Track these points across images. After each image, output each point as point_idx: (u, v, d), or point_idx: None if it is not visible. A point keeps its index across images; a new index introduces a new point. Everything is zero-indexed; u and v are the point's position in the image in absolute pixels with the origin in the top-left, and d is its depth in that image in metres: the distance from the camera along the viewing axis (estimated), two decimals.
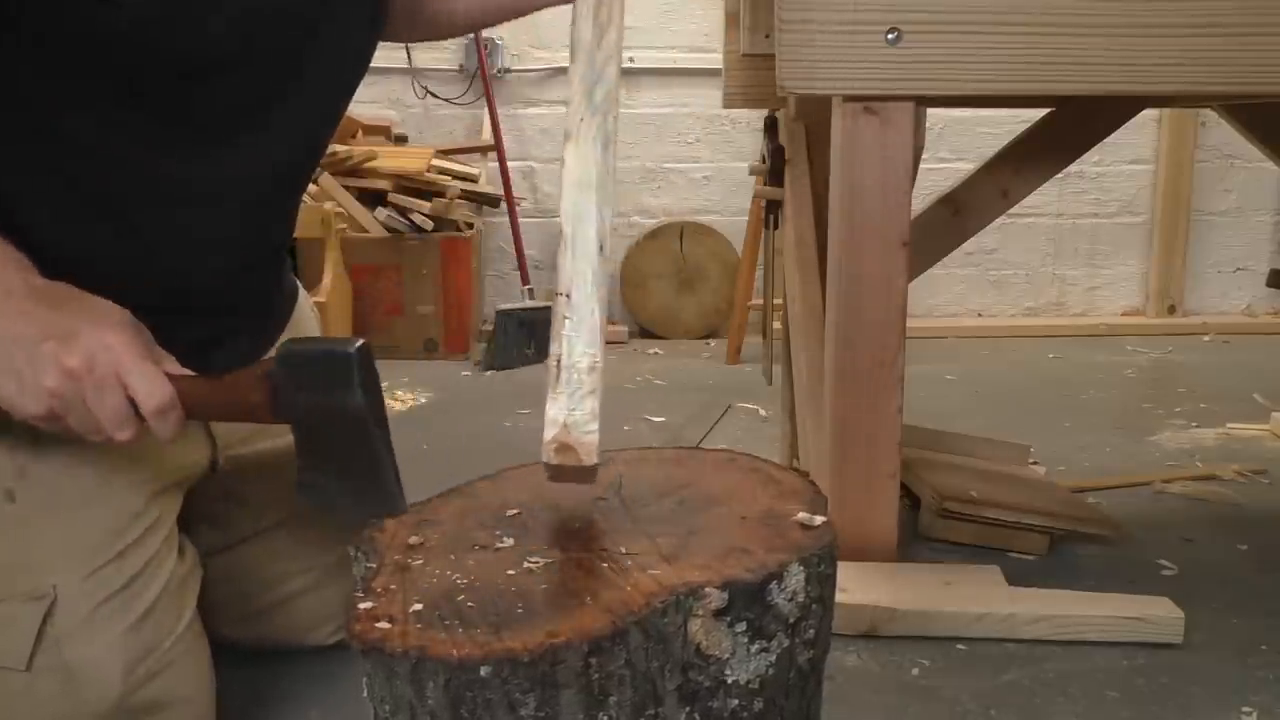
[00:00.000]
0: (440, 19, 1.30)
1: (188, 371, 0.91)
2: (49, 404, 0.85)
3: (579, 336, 0.81)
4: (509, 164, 3.63)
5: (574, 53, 0.87)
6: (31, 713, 1.00)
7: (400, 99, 3.85)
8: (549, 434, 0.79)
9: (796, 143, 1.94)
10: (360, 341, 0.81)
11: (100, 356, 0.85)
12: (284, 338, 1.28)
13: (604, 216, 0.85)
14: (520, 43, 3.81)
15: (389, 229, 3.31)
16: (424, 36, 1.38)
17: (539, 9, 1.22)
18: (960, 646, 1.39)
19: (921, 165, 1.76)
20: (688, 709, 0.69)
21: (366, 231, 3.30)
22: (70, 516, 1.03)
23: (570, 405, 0.79)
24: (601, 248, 0.84)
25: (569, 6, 0.96)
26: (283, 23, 1.02)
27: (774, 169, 1.98)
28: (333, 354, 0.80)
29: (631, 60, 3.77)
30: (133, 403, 0.86)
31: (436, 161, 3.44)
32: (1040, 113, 1.92)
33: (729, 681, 0.69)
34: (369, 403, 0.80)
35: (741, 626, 0.69)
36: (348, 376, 0.79)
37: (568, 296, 0.82)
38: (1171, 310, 3.94)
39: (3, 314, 0.86)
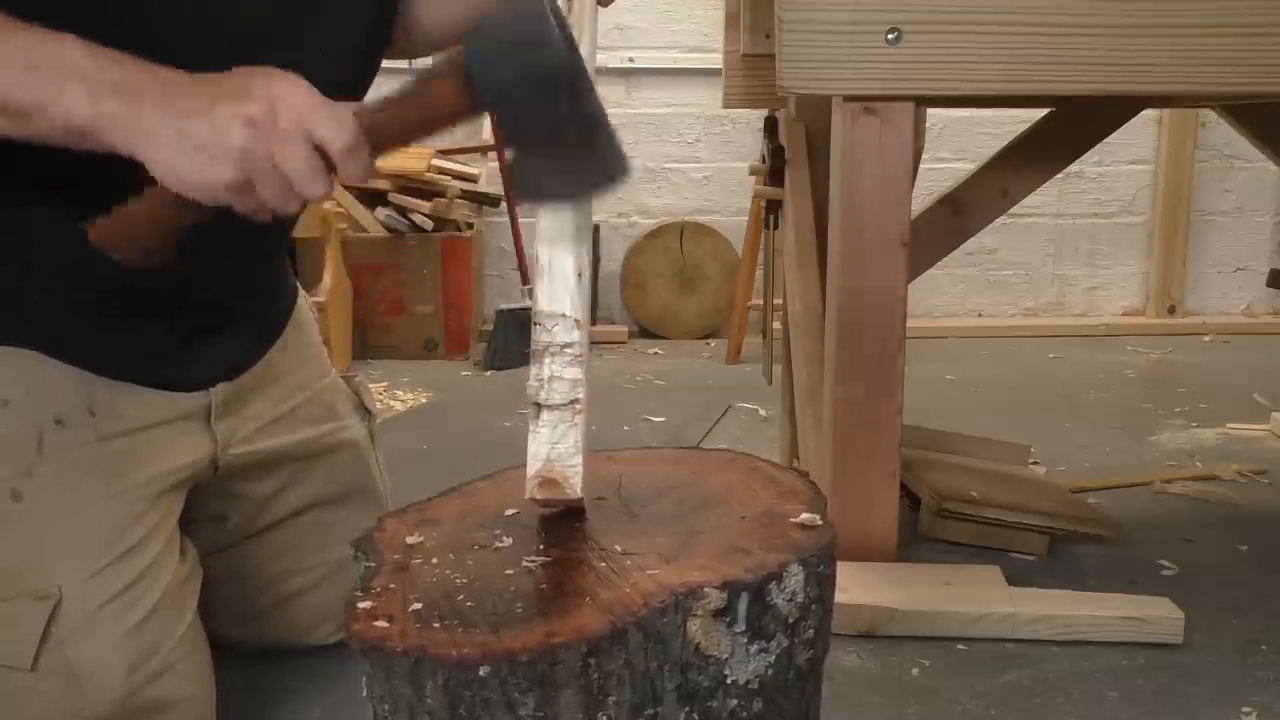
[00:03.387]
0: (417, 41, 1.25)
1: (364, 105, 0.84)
2: (240, 166, 0.79)
3: (558, 368, 0.78)
4: None
5: None
6: (34, 713, 1.00)
7: None
8: (532, 469, 0.77)
9: (796, 143, 1.94)
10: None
11: (279, 102, 0.79)
12: (283, 336, 1.28)
13: (581, 239, 0.79)
14: None
15: (389, 229, 3.31)
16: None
17: None
18: (960, 646, 1.39)
19: (921, 165, 1.76)
20: (687, 709, 0.69)
21: (366, 231, 3.30)
22: (75, 516, 1.03)
23: (552, 439, 0.77)
24: (580, 274, 0.79)
25: None
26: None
27: (774, 169, 1.98)
28: (522, 10, 0.74)
29: (631, 60, 3.77)
30: (319, 152, 0.80)
31: (436, 161, 3.43)
32: (1040, 113, 1.92)
33: (728, 681, 0.70)
34: (573, 55, 0.76)
35: (741, 627, 0.69)
36: (543, 28, 0.74)
37: (545, 327, 0.78)
38: (1171, 310, 3.94)
39: (167, 95, 0.81)
